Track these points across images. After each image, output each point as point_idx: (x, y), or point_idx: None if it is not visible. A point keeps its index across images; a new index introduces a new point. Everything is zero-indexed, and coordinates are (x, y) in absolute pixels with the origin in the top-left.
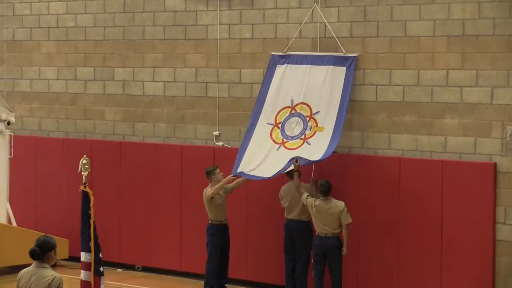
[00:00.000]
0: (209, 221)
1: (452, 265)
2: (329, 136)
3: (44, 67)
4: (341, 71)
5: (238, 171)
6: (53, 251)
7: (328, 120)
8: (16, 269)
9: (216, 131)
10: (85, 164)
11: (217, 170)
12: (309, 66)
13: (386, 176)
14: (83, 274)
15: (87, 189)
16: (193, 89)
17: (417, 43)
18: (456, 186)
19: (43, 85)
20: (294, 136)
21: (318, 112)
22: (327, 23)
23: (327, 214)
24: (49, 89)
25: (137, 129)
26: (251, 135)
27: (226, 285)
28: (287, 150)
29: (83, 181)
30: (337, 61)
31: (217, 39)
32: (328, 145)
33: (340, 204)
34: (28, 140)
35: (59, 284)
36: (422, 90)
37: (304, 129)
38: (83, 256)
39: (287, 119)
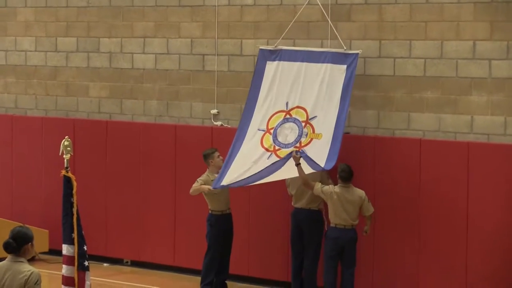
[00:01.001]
0: (209, 211)
1: (479, 258)
2: (327, 145)
3: (21, 37)
4: (340, 71)
5: (220, 184)
6: (30, 243)
7: (326, 126)
8: None
9: (214, 109)
10: (67, 146)
11: (216, 154)
12: (304, 63)
13: (405, 160)
14: (65, 269)
15: (69, 174)
16: (188, 62)
17: (440, 11)
18: (483, 170)
19: (20, 58)
20: (288, 143)
21: (315, 117)
22: None
23: (347, 202)
24: (26, 62)
25: (126, 107)
26: (240, 145)
27: (226, 281)
28: (279, 159)
29: (65, 165)
30: (336, 59)
31: (215, 5)
32: (328, 155)
33: (361, 192)
34: (3, 119)
35: (37, 281)
36: (446, 63)
37: (299, 136)
38: (65, 249)
39: (281, 125)
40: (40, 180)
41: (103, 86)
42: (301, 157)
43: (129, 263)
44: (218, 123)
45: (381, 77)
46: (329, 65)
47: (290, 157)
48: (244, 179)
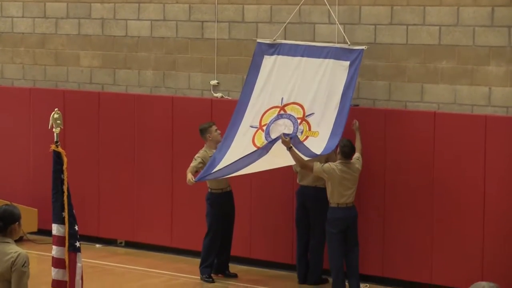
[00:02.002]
0: (208, 189)
1: (496, 237)
2: (324, 142)
3: (7, 2)
4: (343, 67)
5: (205, 178)
6: (17, 223)
7: (324, 124)
8: None
9: (214, 79)
10: (56, 119)
11: (213, 128)
12: (304, 58)
13: (418, 134)
14: (55, 250)
15: (59, 149)
16: (186, 29)
17: None
18: (501, 146)
19: (6, 24)
20: None
21: (312, 114)
22: None
23: (349, 179)
24: (12, 29)
25: (119, 77)
26: (230, 143)
27: (228, 263)
28: (270, 157)
29: (55, 140)
30: (340, 54)
31: None
32: (324, 149)
33: (358, 164)
34: None
35: (25, 262)
36: (462, 31)
37: (294, 132)
38: (55, 229)
39: (274, 121)
40: (28, 155)
41: (95, 55)
42: (291, 139)
43: (123, 244)
44: (218, 94)
45: (392, 46)
46: (331, 60)
47: (277, 141)
48: (229, 165)
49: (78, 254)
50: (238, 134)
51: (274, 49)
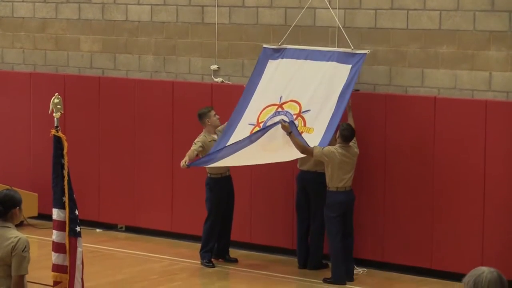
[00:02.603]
0: (207, 174)
1: (496, 225)
2: (318, 139)
3: None
4: (345, 69)
5: (196, 163)
6: (18, 207)
7: (319, 121)
8: None
9: (214, 64)
10: (57, 103)
11: (212, 113)
12: (306, 61)
13: (419, 119)
14: (55, 235)
15: (60, 134)
16: (187, 14)
17: None
18: (502, 131)
19: (6, 9)
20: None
21: (308, 110)
22: None
23: (348, 163)
24: (13, 13)
25: (119, 61)
26: (227, 141)
27: (228, 248)
28: (263, 152)
29: (55, 124)
30: (342, 58)
31: None
32: (319, 143)
33: (356, 147)
34: None
35: (25, 247)
36: (463, 15)
37: (291, 121)
38: (56, 213)
39: (271, 118)
40: (28, 140)
41: (95, 39)
42: (289, 124)
43: (123, 229)
44: (219, 79)
45: (393, 31)
46: (333, 63)
47: (275, 126)
48: (221, 149)
49: (79, 238)
50: (235, 133)
51: (279, 53)
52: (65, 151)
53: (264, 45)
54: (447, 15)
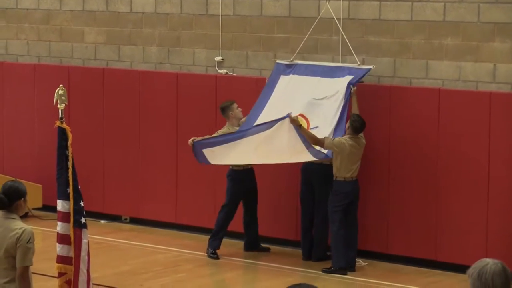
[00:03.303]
0: (230, 166)
1: (500, 217)
2: (324, 152)
3: None
4: (346, 80)
5: (201, 141)
6: (23, 199)
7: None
8: None
9: (218, 56)
10: (61, 95)
11: (235, 105)
12: (317, 78)
13: (423, 111)
14: (60, 226)
15: (64, 125)
16: (191, 5)
17: None
18: (506, 123)
19: (10, 0)
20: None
21: (316, 127)
22: None
23: (357, 154)
24: (17, 5)
25: (124, 53)
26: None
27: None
28: (265, 148)
29: (59, 116)
30: (352, 73)
31: None
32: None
33: (363, 138)
34: None
35: (30, 238)
36: (467, 7)
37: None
38: (60, 205)
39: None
40: (33, 131)
41: (100, 31)
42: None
43: (128, 220)
44: (223, 71)
45: (397, 22)
46: (342, 79)
47: (284, 119)
48: (226, 134)
49: (84, 230)
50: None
51: (291, 69)
52: (69, 142)
53: (277, 61)
54: (452, 6)
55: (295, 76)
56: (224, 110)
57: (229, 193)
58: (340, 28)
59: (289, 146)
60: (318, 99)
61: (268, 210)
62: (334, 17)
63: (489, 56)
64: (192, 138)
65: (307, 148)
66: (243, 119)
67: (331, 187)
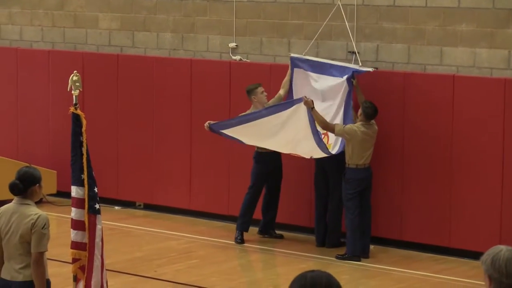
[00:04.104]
0: (256, 148)
1: None
2: (334, 150)
3: None
4: (341, 84)
5: (219, 129)
6: (38, 184)
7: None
8: None
9: (232, 42)
10: (75, 81)
11: (259, 89)
12: (323, 76)
13: (437, 98)
14: (74, 212)
15: (79, 111)
16: None
17: None
18: None
19: None
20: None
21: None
22: None
23: (369, 141)
24: None
25: (138, 39)
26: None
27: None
28: (280, 135)
29: (74, 102)
30: (337, 72)
31: None
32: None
33: (376, 125)
34: (7, 52)
35: (45, 224)
36: None
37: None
38: (74, 191)
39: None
40: (47, 117)
41: (114, 17)
42: (312, 100)
43: (142, 207)
44: (237, 57)
45: (411, 8)
46: (332, 78)
47: (299, 102)
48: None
49: (98, 216)
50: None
51: (304, 63)
52: (83, 128)
53: (292, 54)
54: None
55: (308, 73)
56: (249, 93)
57: (253, 175)
58: (355, 14)
59: (300, 137)
60: (324, 99)
61: (282, 196)
62: (349, 3)
63: (504, 43)
64: (208, 121)
65: (318, 144)
66: (270, 102)
67: (344, 174)
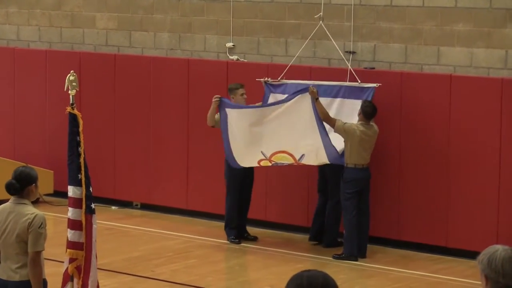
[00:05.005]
0: None
1: (511, 203)
2: (327, 159)
3: None
4: (354, 105)
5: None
6: (34, 184)
7: (319, 151)
8: None
9: (229, 42)
10: (72, 81)
11: (240, 91)
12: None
13: (434, 97)
14: (71, 212)
15: (75, 111)
16: None
17: None
18: None
19: None
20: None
21: (302, 155)
22: None
23: (368, 140)
24: None
25: (135, 39)
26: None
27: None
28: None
29: (70, 102)
30: (350, 93)
31: None
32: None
33: (376, 126)
34: (4, 52)
35: (41, 224)
36: None
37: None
38: (71, 190)
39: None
40: (44, 117)
41: (111, 17)
42: (316, 90)
43: (139, 206)
44: (234, 57)
45: (408, 8)
46: (339, 100)
47: (303, 93)
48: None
49: (94, 216)
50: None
51: (281, 89)
52: (80, 128)
53: (264, 80)
54: None
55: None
56: (229, 91)
57: (227, 178)
58: (352, 14)
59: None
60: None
61: (279, 196)
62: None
63: (501, 42)
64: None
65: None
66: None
67: (342, 174)
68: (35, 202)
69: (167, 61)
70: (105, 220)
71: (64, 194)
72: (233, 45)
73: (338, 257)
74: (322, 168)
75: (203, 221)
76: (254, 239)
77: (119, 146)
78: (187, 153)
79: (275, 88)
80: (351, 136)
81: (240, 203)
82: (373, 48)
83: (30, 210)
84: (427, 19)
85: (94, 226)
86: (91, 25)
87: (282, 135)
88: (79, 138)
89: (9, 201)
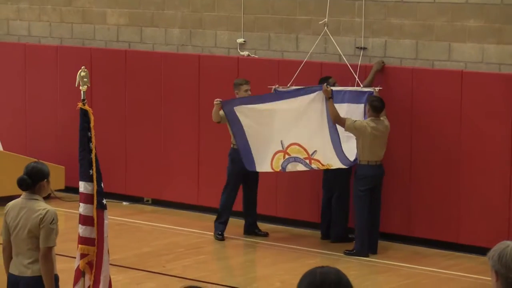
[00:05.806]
0: (231, 145)
1: None
2: (340, 164)
3: None
4: (359, 109)
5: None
6: (46, 180)
7: (330, 154)
8: (3, 201)
9: (240, 38)
10: (83, 77)
11: (244, 87)
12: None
13: (445, 93)
14: (82, 208)
15: (86, 107)
16: None
17: None
18: None
19: None
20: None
21: (315, 151)
22: None
23: (380, 136)
24: None
25: (146, 35)
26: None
27: (256, 223)
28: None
29: (82, 97)
30: (354, 98)
31: None
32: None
33: (387, 121)
34: (16, 47)
35: (53, 219)
36: None
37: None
38: (83, 186)
39: (285, 165)
40: (55, 113)
41: (122, 12)
42: (330, 88)
43: (150, 202)
44: (245, 53)
45: (419, 4)
46: (344, 105)
47: (317, 91)
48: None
49: (105, 211)
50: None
51: (291, 94)
52: (91, 124)
53: (274, 88)
54: None
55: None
56: (234, 86)
57: (229, 173)
58: (363, 10)
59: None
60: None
61: (289, 192)
62: None
63: None
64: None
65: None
66: None
67: (355, 171)
68: (47, 198)
69: (178, 57)
70: (116, 216)
71: (75, 190)
72: (244, 41)
73: (349, 253)
74: None
75: (214, 217)
76: (265, 235)
77: (130, 142)
78: (198, 149)
79: (284, 94)
80: (362, 133)
81: (247, 201)
82: (384, 44)
83: (42, 206)
84: (438, 15)
85: (105, 221)
86: (102, 21)
87: (298, 127)
88: (90, 134)
89: (21, 196)
